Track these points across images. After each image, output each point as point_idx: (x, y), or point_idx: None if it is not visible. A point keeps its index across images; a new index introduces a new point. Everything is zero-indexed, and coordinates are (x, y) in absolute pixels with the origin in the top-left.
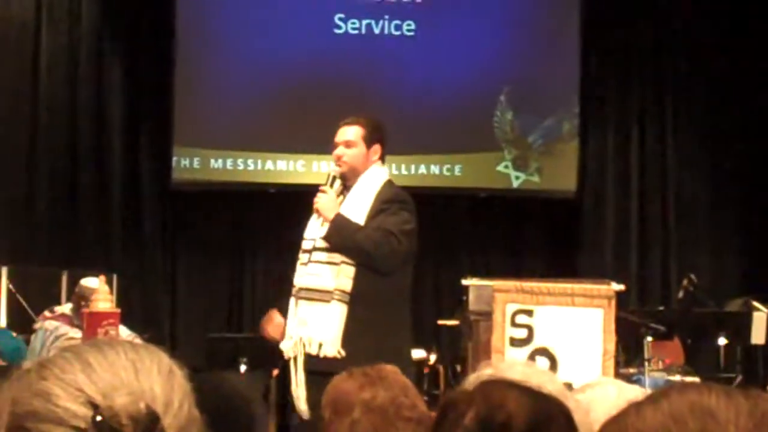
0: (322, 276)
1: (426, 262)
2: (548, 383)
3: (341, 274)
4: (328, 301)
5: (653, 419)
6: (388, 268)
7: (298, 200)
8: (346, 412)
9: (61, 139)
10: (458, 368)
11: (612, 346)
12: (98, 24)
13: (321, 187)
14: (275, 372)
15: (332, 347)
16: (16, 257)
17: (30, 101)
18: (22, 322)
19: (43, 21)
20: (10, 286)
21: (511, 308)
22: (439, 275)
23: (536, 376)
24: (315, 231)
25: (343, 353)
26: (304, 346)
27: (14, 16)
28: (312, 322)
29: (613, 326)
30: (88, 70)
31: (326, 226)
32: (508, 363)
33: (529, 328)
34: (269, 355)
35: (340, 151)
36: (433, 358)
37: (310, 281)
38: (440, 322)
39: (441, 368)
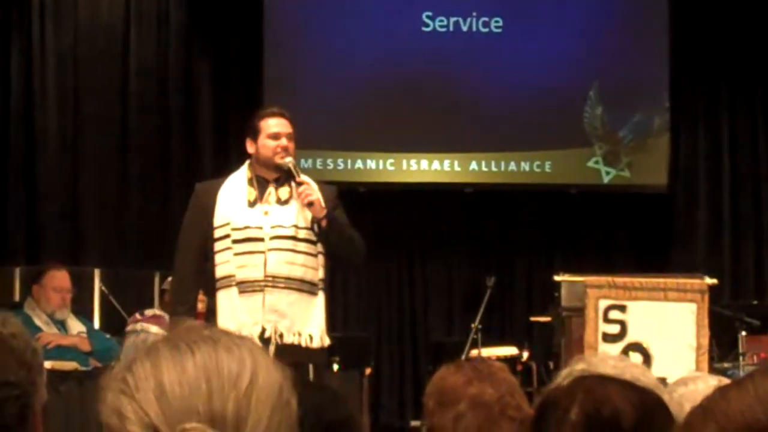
0: (305, 266)
1: (518, 259)
2: (641, 377)
3: (320, 265)
4: (315, 294)
5: (739, 402)
6: (362, 262)
7: (389, 199)
8: (452, 404)
9: (151, 141)
10: (551, 365)
11: (706, 341)
12: (186, 27)
13: (300, 179)
14: (368, 371)
15: (325, 338)
16: (109, 260)
17: (120, 104)
18: (114, 323)
19: (132, 25)
20: (103, 288)
21: (603, 304)
22: (530, 272)
23: (629, 369)
24: (274, 219)
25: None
26: (281, 336)
27: (103, 20)
28: (293, 312)
29: (706, 321)
30: (177, 72)
31: (285, 213)
32: (600, 357)
33: (622, 324)
34: (362, 355)
35: (284, 142)
36: (525, 355)
37: (290, 271)
38: (532, 318)
39: (534, 365)
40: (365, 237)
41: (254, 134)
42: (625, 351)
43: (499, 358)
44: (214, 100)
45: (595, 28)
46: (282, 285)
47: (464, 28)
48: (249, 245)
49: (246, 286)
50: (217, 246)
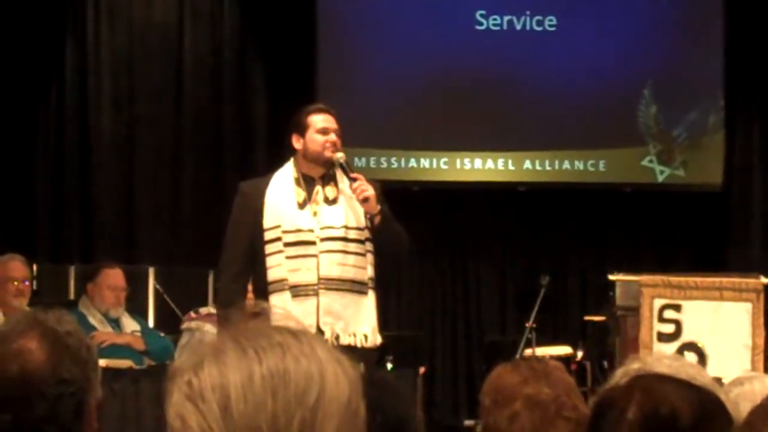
0: (356, 266)
1: (571, 258)
2: (698, 376)
3: (369, 264)
4: (366, 293)
5: None
6: (407, 257)
7: (442, 198)
8: (507, 403)
9: (205, 140)
10: (605, 364)
11: (761, 341)
12: (240, 25)
13: (353, 174)
14: (422, 370)
15: (378, 336)
16: (163, 258)
17: (173, 104)
18: (169, 322)
19: (186, 23)
20: (158, 287)
21: (658, 303)
22: (584, 271)
23: (685, 369)
24: (325, 220)
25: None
26: (338, 338)
27: (157, 18)
28: (347, 314)
29: (762, 320)
30: (230, 71)
31: (334, 213)
32: (656, 357)
33: (677, 323)
34: (416, 354)
35: (333, 137)
36: (579, 354)
37: (342, 272)
38: (586, 317)
39: (588, 365)
40: (419, 236)
41: (301, 130)
42: (680, 350)
43: (553, 358)
44: (267, 100)
45: (650, 25)
46: (335, 287)
47: (518, 27)
48: (301, 249)
49: (299, 290)
50: (268, 249)
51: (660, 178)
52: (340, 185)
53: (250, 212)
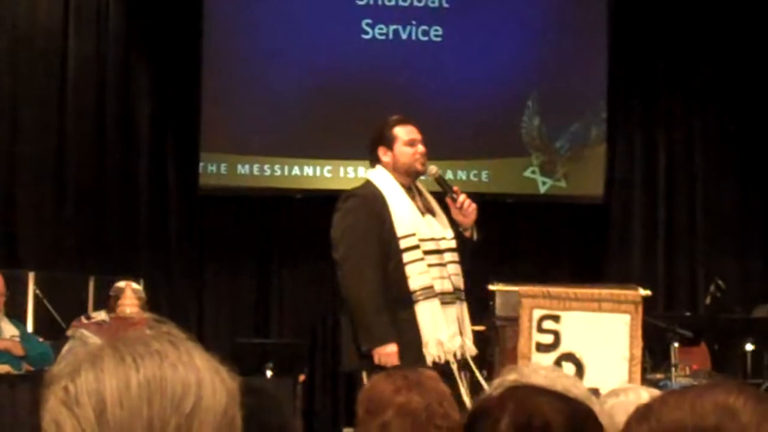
0: (461, 277)
1: None
2: (573, 387)
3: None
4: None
5: (675, 409)
6: None
7: (325, 206)
8: (379, 413)
9: (88, 145)
10: (484, 374)
11: (639, 352)
12: (125, 29)
13: (456, 188)
14: (302, 378)
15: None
16: (44, 263)
17: (57, 107)
18: (48, 327)
19: (71, 26)
20: (38, 292)
21: (537, 314)
22: (465, 280)
23: (561, 380)
24: (438, 230)
25: None
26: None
27: (41, 21)
28: (467, 324)
29: (639, 332)
30: (115, 75)
31: (439, 224)
32: (532, 368)
33: (556, 334)
34: (296, 361)
35: (421, 148)
36: None
37: (458, 282)
38: None
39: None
40: (301, 243)
41: (388, 142)
42: (558, 361)
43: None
44: (151, 105)
45: (534, 38)
46: (460, 296)
47: (404, 37)
48: (436, 257)
49: (443, 298)
50: (408, 256)
51: (542, 190)
52: (427, 196)
53: (377, 219)
